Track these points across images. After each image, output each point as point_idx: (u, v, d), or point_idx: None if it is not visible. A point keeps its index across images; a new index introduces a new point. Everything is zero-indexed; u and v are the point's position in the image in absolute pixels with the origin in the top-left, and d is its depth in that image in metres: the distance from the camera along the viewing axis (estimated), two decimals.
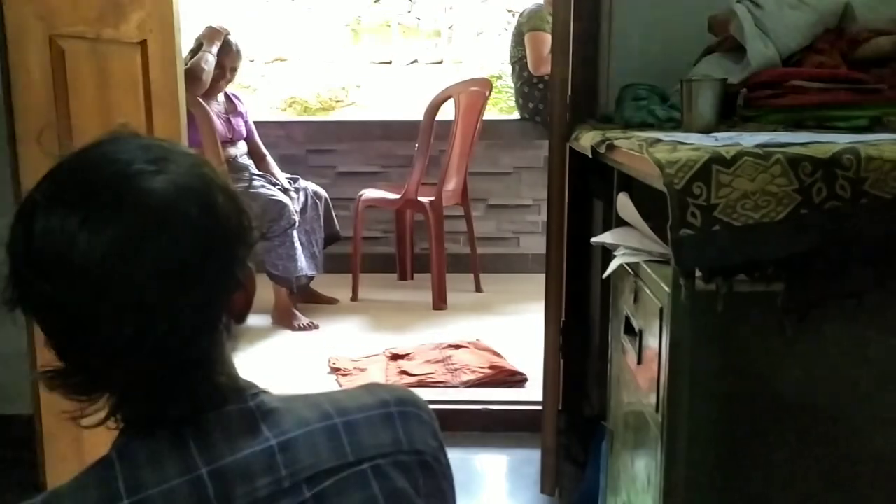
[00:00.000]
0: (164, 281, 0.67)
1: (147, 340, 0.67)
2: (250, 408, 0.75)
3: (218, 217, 0.71)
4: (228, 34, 3.57)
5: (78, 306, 0.67)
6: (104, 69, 1.94)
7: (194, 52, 3.49)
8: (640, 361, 1.33)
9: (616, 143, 1.39)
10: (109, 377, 0.71)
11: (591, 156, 1.59)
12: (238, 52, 3.61)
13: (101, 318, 0.67)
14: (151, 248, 0.66)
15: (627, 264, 1.37)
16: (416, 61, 5.41)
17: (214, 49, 3.48)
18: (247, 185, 3.51)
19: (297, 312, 3.55)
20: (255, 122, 3.85)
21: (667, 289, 1.13)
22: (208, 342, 0.73)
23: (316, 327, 3.51)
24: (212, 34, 3.50)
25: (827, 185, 1.00)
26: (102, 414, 0.73)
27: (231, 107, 3.71)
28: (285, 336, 3.45)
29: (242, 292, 0.75)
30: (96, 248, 0.65)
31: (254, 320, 3.51)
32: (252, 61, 5.35)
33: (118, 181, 0.68)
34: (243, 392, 0.76)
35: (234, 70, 3.62)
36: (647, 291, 1.26)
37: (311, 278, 3.68)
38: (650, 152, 1.09)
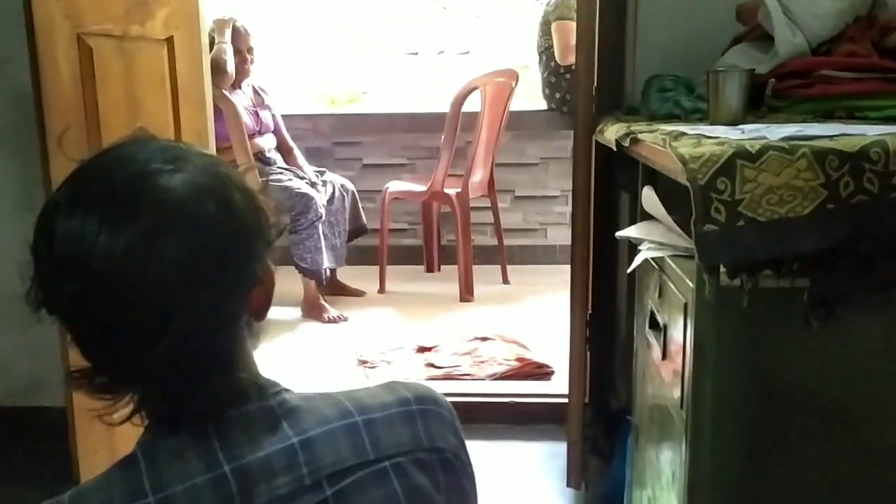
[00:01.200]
0: (183, 278, 0.68)
1: (167, 338, 0.68)
2: (272, 406, 0.76)
3: (235, 214, 0.72)
4: (235, 20, 3.58)
5: (99, 305, 0.68)
6: (131, 66, 1.97)
7: (209, 48, 3.52)
8: (664, 356, 1.32)
9: (640, 136, 1.38)
10: (132, 375, 0.72)
11: (615, 149, 1.58)
12: (246, 31, 3.62)
13: (121, 317, 0.68)
14: (169, 246, 0.67)
15: (652, 259, 1.36)
16: (442, 52, 5.40)
17: (227, 37, 3.50)
18: (275, 178, 3.54)
19: (325, 304, 3.57)
20: (283, 116, 3.88)
21: (691, 284, 1.12)
22: (228, 339, 0.74)
23: (345, 319, 3.53)
24: (220, 25, 3.51)
25: (854, 180, 0.98)
26: (128, 411, 0.75)
27: (258, 100, 3.73)
28: (314, 328, 3.48)
29: (262, 289, 0.76)
30: (115, 247, 0.66)
31: (284, 312, 3.57)
32: (277, 54, 5.37)
33: (136, 181, 0.69)
34: (265, 390, 0.77)
35: (250, 50, 3.64)
36: (672, 286, 1.25)
37: (334, 271, 3.69)
38: (673, 147, 1.08)
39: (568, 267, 2.10)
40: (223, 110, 3.36)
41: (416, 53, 5.46)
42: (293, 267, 3.49)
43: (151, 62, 2.03)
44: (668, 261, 1.27)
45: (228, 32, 3.51)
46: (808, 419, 1.10)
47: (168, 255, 0.67)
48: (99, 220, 0.67)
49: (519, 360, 2.88)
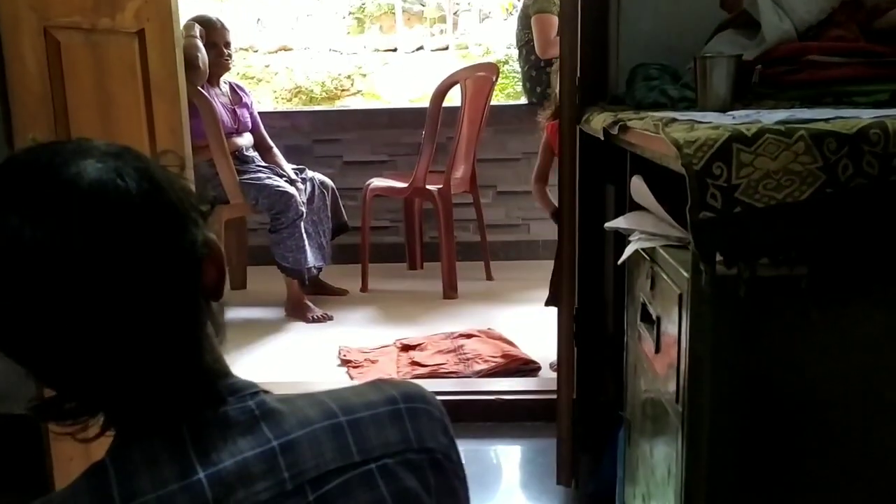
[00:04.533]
0: (124, 255, 0.64)
1: (123, 323, 0.64)
2: (250, 407, 0.72)
3: (160, 184, 0.68)
4: (205, 16, 3.51)
5: (45, 309, 0.63)
6: (101, 60, 1.90)
7: None
8: (657, 349, 1.29)
9: (629, 124, 1.35)
10: (99, 383, 0.67)
11: (602, 138, 1.54)
12: (223, 25, 3.55)
13: (71, 313, 0.63)
14: (99, 225, 0.63)
15: (643, 249, 1.33)
16: (421, 48, 5.36)
17: (196, 32, 3.40)
18: (254, 176, 3.48)
19: (309, 304, 3.52)
20: (260, 113, 3.82)
21: (686, 274, 1.09)
22: (186, 322, 0.70)
23: (330, 318, 3.48)
24: (187, 24, 3.40)
25: (853, 162, 0.95)
26: (100, 424, 0.70)
27: (236, 98, 3.67)
28: (298, 328, 3.42)
29: (211, 263, 0.71)
30: (44, 238, 0.62)
31: (268, 313, 3.52)
32: (256, 51, 5.31)
33: (45, 173, 0.65)
34: (242, 391, 0.73)
35: (227, 45, 3.56)
36: (665, 277, 1.22)
37: (320, 269, 3.64)
38: (666, 132, 1.04)
39: (551, 262, 2.06)
40: (199, 107, 3.29)
41: (395, 50, 5.42)
42: (275, 266, 3.44)
43: (122, 56, 1.97)
44: (661, 251, 1.24)
45: (198, 28, 3.43)
46: (809, 413, 1.07)
47: (100, 235, 0.63)
48: (19, 216, 0.62)
49: (505, 356, 2.84)
